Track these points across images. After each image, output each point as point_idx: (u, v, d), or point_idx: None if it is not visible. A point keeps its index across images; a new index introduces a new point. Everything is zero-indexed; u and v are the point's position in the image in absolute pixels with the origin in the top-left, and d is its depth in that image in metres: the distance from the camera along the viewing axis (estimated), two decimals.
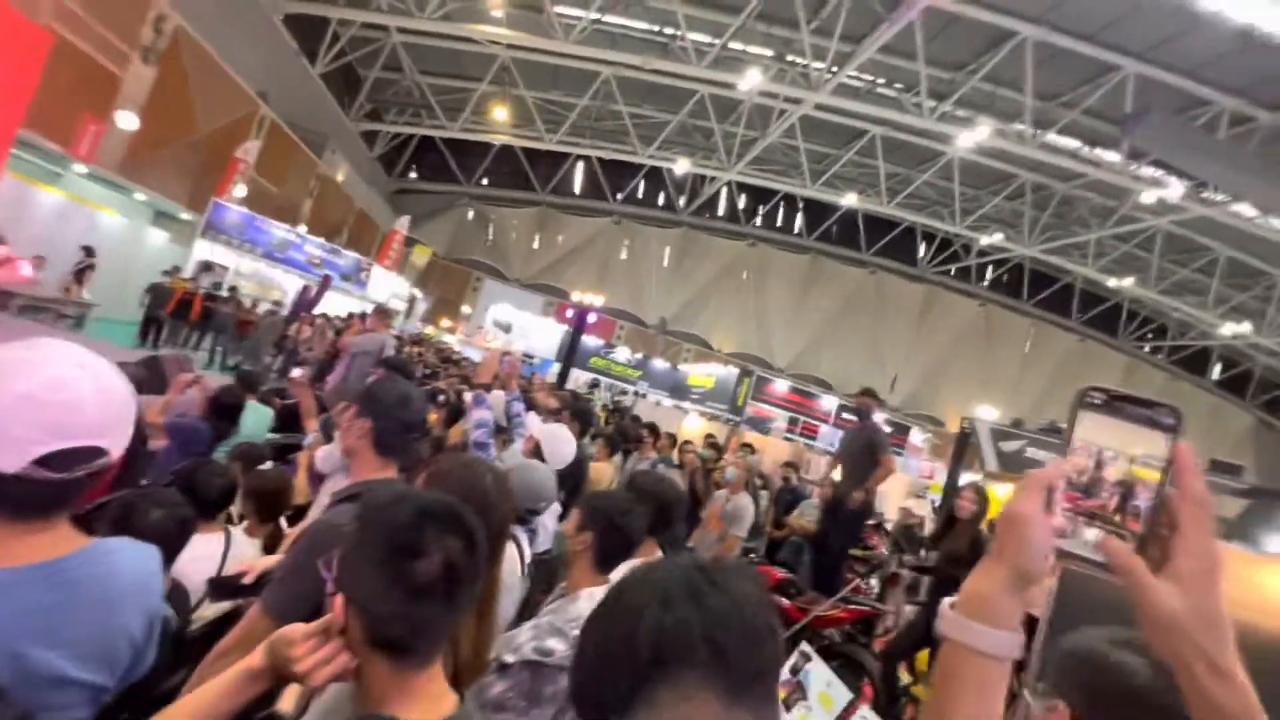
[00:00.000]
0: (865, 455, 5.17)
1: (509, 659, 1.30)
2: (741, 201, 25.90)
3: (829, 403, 19.07)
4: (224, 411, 3.53)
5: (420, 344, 15.74)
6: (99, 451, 0.89)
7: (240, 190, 13.12)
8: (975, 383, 25.03)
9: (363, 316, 6.90)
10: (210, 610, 1.97)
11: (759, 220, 26.20)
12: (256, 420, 3.92)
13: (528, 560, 1.96)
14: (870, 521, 5.38)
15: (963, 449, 9.57)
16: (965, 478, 8.25)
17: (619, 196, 25.60)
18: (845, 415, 17.48)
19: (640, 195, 25.75)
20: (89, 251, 9.77)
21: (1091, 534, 0.56)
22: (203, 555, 2.05)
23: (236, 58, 12.51)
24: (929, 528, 7.08)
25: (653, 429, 6.37)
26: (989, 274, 26.38)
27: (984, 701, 0.54)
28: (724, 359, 24.48)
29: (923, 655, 4.56)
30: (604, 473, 4.70)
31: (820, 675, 2.93)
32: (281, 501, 2.63)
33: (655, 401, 17.94)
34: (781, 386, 19.20)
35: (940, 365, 26.25)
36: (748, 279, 26.36)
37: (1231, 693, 0.50)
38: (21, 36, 6.65)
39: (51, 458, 0.84)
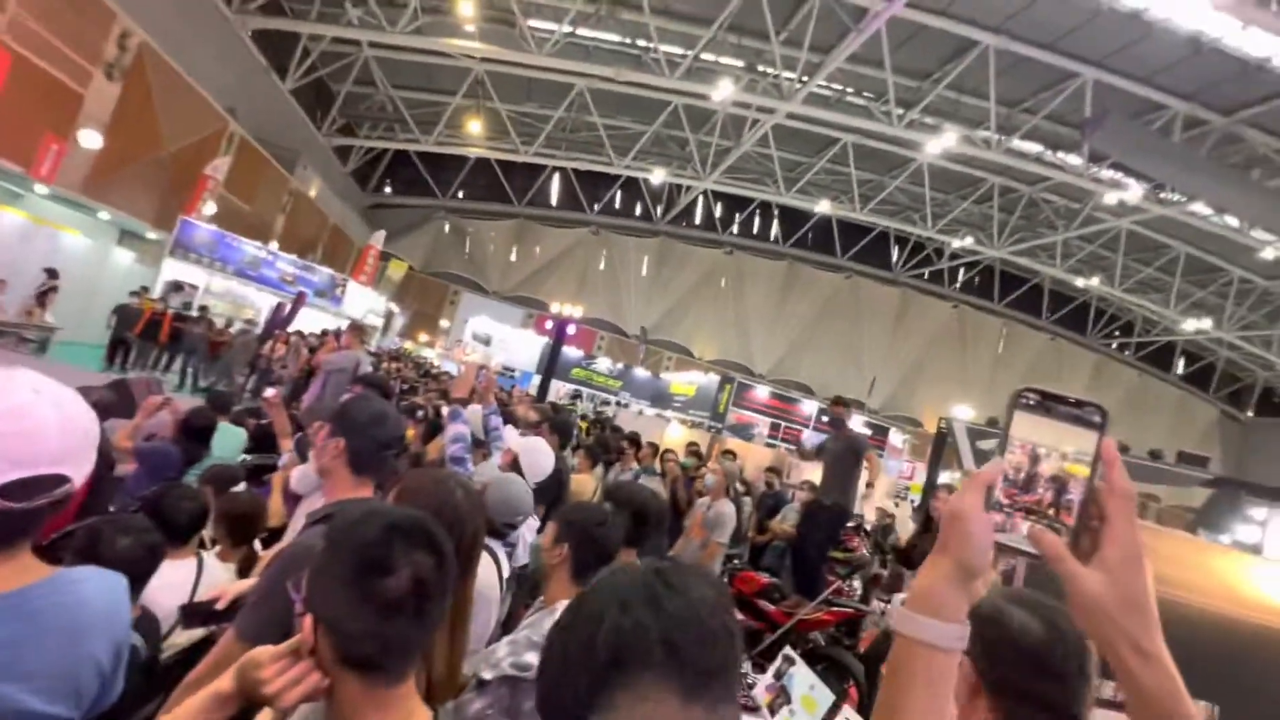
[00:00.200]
0: (848, 460, 5.24)
1: (487, 675, 1.29)
2: (718, 210, 26.15)
3: (809, 407, 19.24)
4: (195, 434, 3.47)
5: (398, 359, 15.58)
6: (61, 479, 0.88)
7: (210, 208, 12.90)
8: (951, 383, 25.48)
9: (336, 334, 6.82)
10: (183, 638, 1.93)
11: (735, 228, 26.46)
12: (229, 442, 3.85)
13: (506, 575, 1.95)
14: (850, 524, 5.43)
15: (940, 449, 9.72)
16: (944, 477, 8.39)
17: (596, 207, 25.69)
18: (824, 419, 17.64)
19: (617, 206, 25.86)
20: (51, 274, 9.52)
21: (1028, 527, 0.59)
22: (173, 582, 2.01)
23: (204, 73, 12.35)
24: (908, 528, 7.19)
25: (634, 439, 6.36)
26: (961, 276, 26.95)
27: (933, 692, 0.56)
28: (705, 367, 24.60)
29: None
30: (586, 485, 4.69)
31: (804, 679, 2.95)
32: (254, 524, 2.59)
33: (637, 411, 17.94)
34: (762, 393, 19.34)
35: (917, 367, 26.68)
36: (726, 286, 26.58)
37: (1155, 673, 0.53)
38: None
39: (11, 487, 0.83)
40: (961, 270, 26.63)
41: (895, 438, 19.20)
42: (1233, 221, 15.91)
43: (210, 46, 13.57)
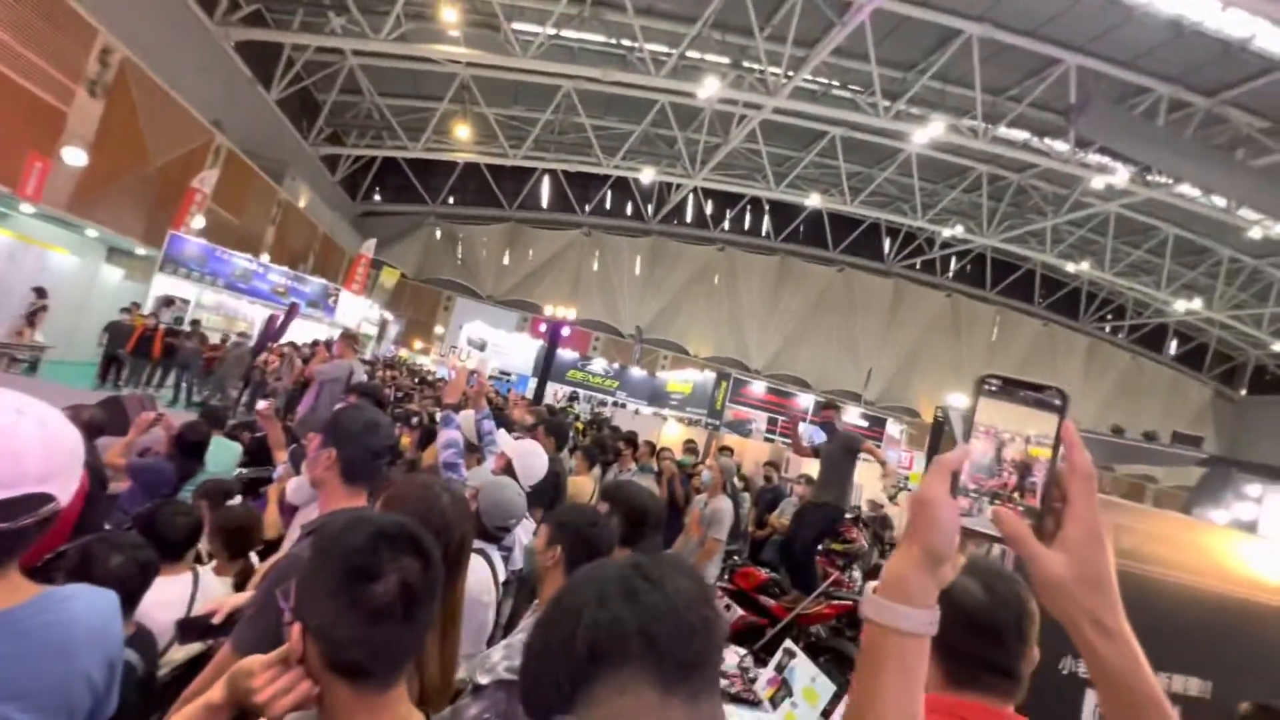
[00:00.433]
0: (843, 460, 5.20)
1: (483, 680, 1.29)
2: (709, 207, 26.17)
3: (806, 400, 19.27)
4: (189, 449, 3.46)
5: (393, 367, 15.55)
6: (45, 498, 0.88)
7: (199, 221, 12.84)
8: (946, 372, 25.58)
9: (328, 344, 6.80)
10: (180, 654, 1.93)
11: (727, 224, 26.50)
12: (224, 456, 3.84)
13: (503, 578, 1.95)
14: (848, 516, 5.45)
15: (938, 437, 9.79)
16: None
17: (587, 208, 25.68)
18: (815, 419, 17.68)
19: (608, 206, 25.86)
20: (40, 293, 9.47)
21: (992, 510, 0.60)
22: (169, 598, 2.01)
23: (188, 87, 12.29)
24: (899, 520, 7.22)
25: (631, 440, 6.37)
26: (953, 265, 27.05)
27: (904, 677, 0.57)
28: (701, 364, 24.61)
29: None
30: (584, 486, 4.70)
31: (805, 671, 2.97)
32: (249, 538, 2.58)
33: (634, 410, 17.94)
34: (759, 388, 19.36)
35: (912, 357, 26.77)
36: (719, 283, 26.61)
37: (1115, 649, 0.54)
38: None
39: None
40: (953, 259, 26.74)
41: (892, 428, 19.24)
42: (1220, 202, 16.00)
43: (194, 60, 13.51)
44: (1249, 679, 1.77)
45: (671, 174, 21.30)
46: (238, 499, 3.17)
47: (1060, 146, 16.04)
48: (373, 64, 18.02)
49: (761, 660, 3.36)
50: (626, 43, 15.47)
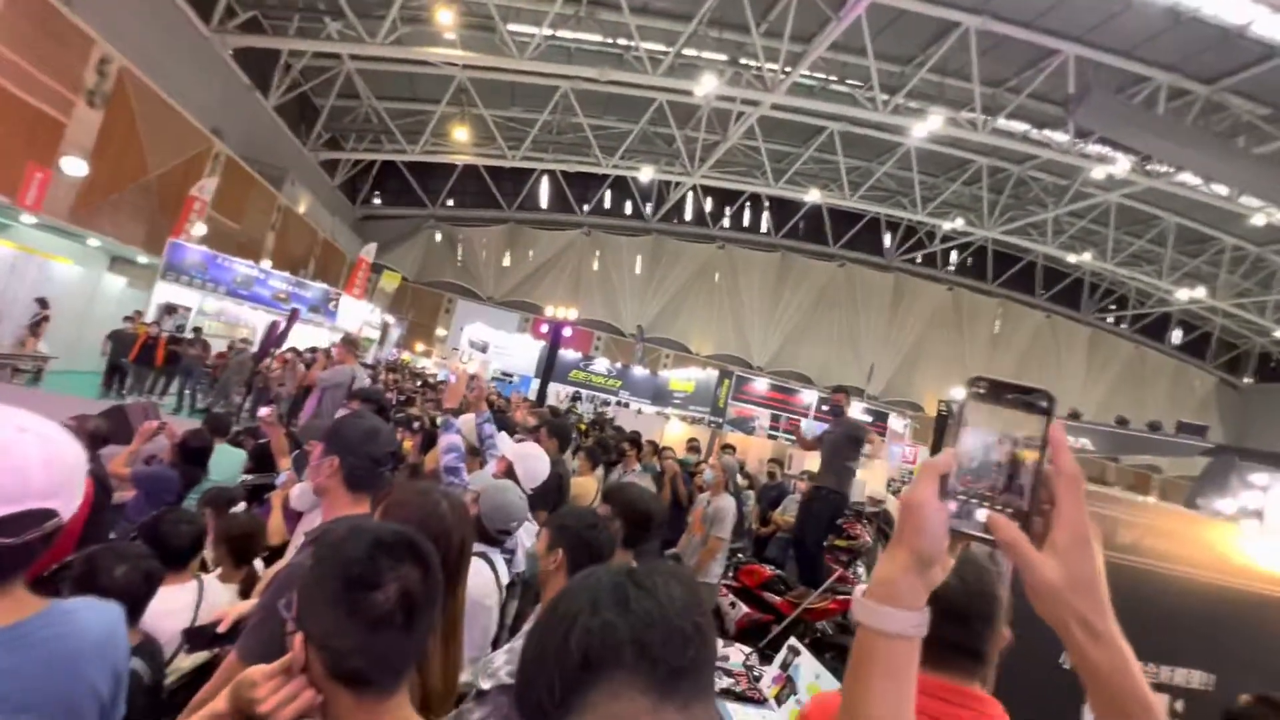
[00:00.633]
0: (846, 447, 5.26)
1: (485, 685, 1.30)
2: (708, 205, 26.14)
3: (809, 396, 19.26)
4: (192, 456, 3.48)
5: (395, 370, 15.58)
6: (48, 513, 0.89)
7: (200, 229, 12.88)
8: (950, 365, 25.54)
9: (327, 353, 6.82)
10: (186, 662, 1.95)
11: (727, 222, 26.47)
12: (228, 463, 3.86)
13: (505, 581, 1.96)
14: (848, 511, 5.46)
15: (942, 431, 9.77)
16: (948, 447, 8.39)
17: (586, 208, 25.68)
18: (823, 409, 17.66)
19: (607, 205, 25.85)
20: (43, 303, 9.52)
21: (983, 514, 0.60)
22: (175, 607, 2.03)
23: (187, 95, 12.33)
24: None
25: (634, 440, 6.37)
26: (954, 258, 26.98)
27: (894, 679, 0.58)
28: (703, 362, 24.60)
29: None
30: (588, 487, 4.70)
31: (809, 668, 2.97)
32: (253, 545, 2.60)
33: (637, 410, 17.95)
34: (761, 385, 19.34)
35: (915, 351, 26.73)
36: (720, 280, 26.59)
37: (1104, 651, 0.55)
38: None
39: (0, 523, 0.84)
40: (954, 252, 26.67)
41: (896, 423, 19.22)
42: (1221, 190, 15.93)
43: (191, 68, 13.54)
44: (1251, 671, 1.78)
45: (670, 172, 21.29)
46: (241, 506, 3.19)
47: (1060, 137, 15.99)
48: (370, 68, 18.04)
49: (766, 658, 3.37)
50: (623, 42, 15.46)
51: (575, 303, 22.94)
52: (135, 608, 1.68)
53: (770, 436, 16.35)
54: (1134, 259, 21.71)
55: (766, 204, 25.95)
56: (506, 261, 26.21)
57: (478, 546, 1.80)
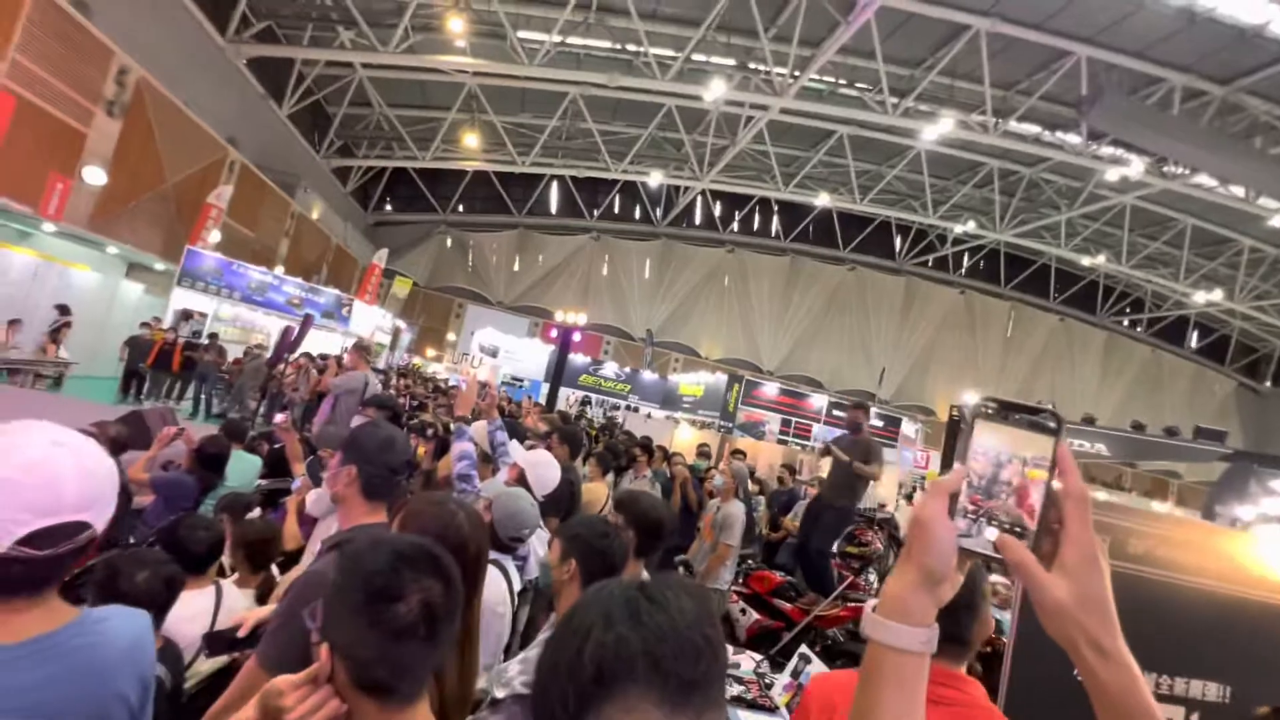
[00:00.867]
0: (862, 463, 5.15)
1: (500, 694, 1.32)
2: (717, 209, 26.15)
3: (819, 401, 19.17)
4: (209, 462, 3.53)
5: (406, 376, 15.69)
6: (82, 526, 0.92)
7: (215, 236, 13.07)
8: (962, 369, 25.35)
9: (338, 360, 6.87)
10: (206, 666, 1.98)
11: (736, 226, 26.45)
12: (244, 469, 3.91)
13: (516, 589, 1.98)
14: (858, 517, 5.42)
15: (953, 436, 9.68)
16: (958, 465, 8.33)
17: (596, 213, 25.77)
18: (836, 414, 17.57)
19: (617, 210, 25.93)
20: (64, 310, 9.69)
21: (992, 532, 0.61)
22: (194, 612, 2.06)
23: (202, 105, 12.54)
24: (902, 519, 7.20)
25: (645, 446, 6.37)
26: (966, 261, 26.78)
27: (903, 693, 0.59)
28: (712, 366, 24.57)
29: None
30: (598, 493, 4.71)
31: None
32: (270, 550, 2.64)
33: (646, 414, 17.95)
34: (771, 390, 19.27)
35: (926, 355, 26.55)
36: (730, 285, 26.56)
37: (1113, 670, 0.55)
38: None
39: (34, 536, 0.87)
40: (966, 255, 26.48)
41: (908, 427, 19.07)
42: (1238, 191, 15.72)
43: (207, 78, 13.77)
44: (1267, 683, 1.76)
45: (679, 177, 21.33)
46: (256, 511, 3.24)
47: (1073, 139, 15.86)
48: (381, 76, 18.25)
49: (778, 665, 3.36)
50: (632, 48, 15.53)
51: (585, 307, 22.99)
52: (157, 613, 1.71)
53: (780, 441, 16.29)
54: (1150, 261, 21.46)
55: (776, 208, 25.91)
56: (516, 266, 26.35)
57: (490, 554, 1.82)
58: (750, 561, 5.75)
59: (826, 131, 18.78)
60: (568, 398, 19.12)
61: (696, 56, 15.35)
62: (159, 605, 1.72)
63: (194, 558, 2.17)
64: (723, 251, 26.42)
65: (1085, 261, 22.19)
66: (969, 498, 0.62)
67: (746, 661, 3.31)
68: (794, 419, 18.16)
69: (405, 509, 1.46)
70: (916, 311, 26.42)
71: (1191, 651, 1.76)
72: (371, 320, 17.39)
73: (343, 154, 21.19)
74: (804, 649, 3.13)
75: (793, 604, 4.82)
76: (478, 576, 1.38)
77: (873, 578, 5.13)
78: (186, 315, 12.80)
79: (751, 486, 7.61)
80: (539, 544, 2.53)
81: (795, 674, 3.06)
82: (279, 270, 14.94)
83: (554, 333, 19.08)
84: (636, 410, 19.00)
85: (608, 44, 15.73)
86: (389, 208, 25.59)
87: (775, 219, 26.43)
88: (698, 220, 26.40)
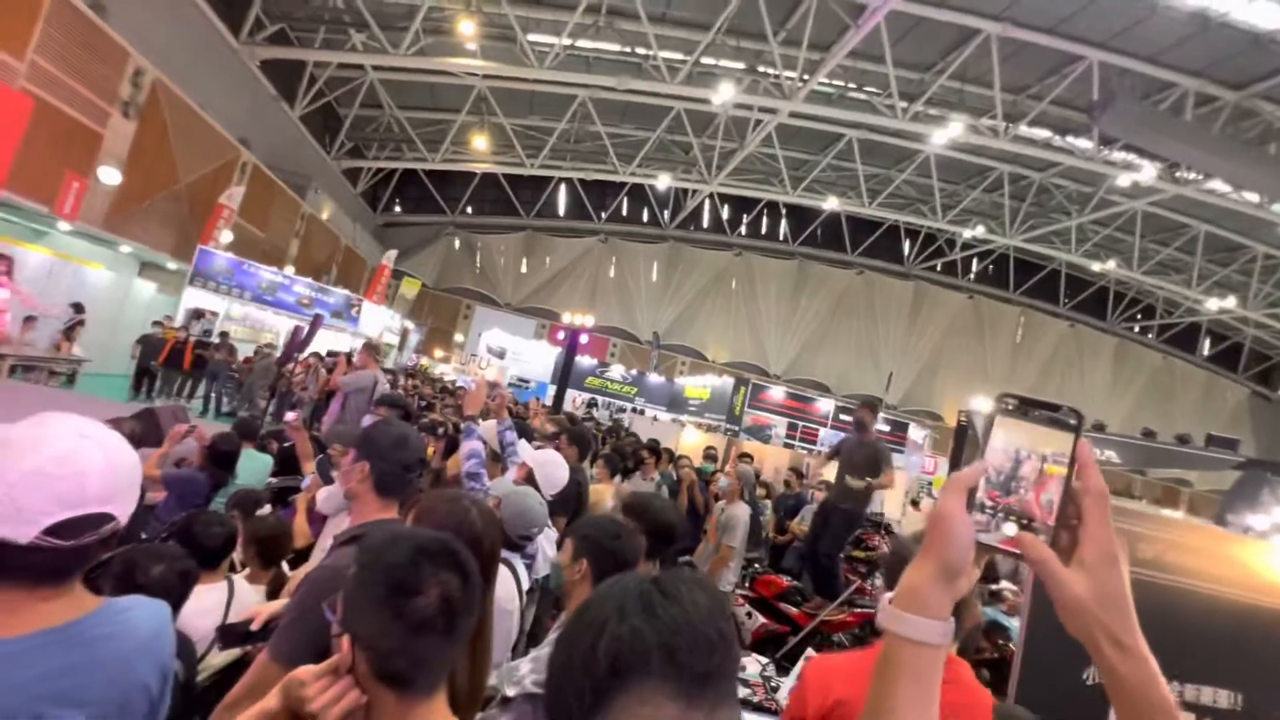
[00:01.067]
0: (868, 469, 5.05)
1: (510, 692, 1.32)
2: (725, 212, 26.15)
3: (826, 405, 19.11)
4: (220, 460, 3.56)
5: (414, 376, 15.76)
6: (107, 517, 0.94)
7: (227, 236, 13.19)
8: (970, 374, 25.19)
9: (348, 358, 6.92)
10: (218, 659, 2.00)
11: (744, 229, 26.44)
12: (255, 468, 3.95)
13: (525, 587, 1.99)
14: (866, 522, 5.39)
15: (961, 441, 9.63)
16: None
17: (603, 216, 25.83)
18: (843, 418, 17.51)
19: (624, 213, 25.98)
20: (78, 308, 9.80)
21: (1010, 528, 0.61)
22: (207, 606, 2.09)
23: (216, 106, 12.66)
24: (918, 523, 7.14)
25: (653, 448, 6.36)
26: (975, 266, 26.65)
27: (920, 686, 0.59)
28: (719, 369, 24.55)
29: None
30: (604, 495, 4.72)
31: None
32: (282, 546, 2.66)
33: (653, 417, 17.96)
34: (778, 393, 19.25)
35: (934, 360, 26.42)
36: (737, 288, 26.54)
37: (1132, 665, 0.56)
38: (1, 104, 6.73)
39: (61, 526, 0.89)
40: (975, 260, 26.36)
41: (915, 432, 18.99)
42: (1252, 197, 15.58)
43: (221, 79, 13.90)
44: (1278, 691, 1.74)
45: (687, 180, 21.35)
46: (267, 508, 3.26)
47: (1084, 144, 15.76)
48: (392, 78, 18.38)
49: (784, 669, 3.36)
50: (641, 51, 15.56)
51: (592, 309, 23.04)
52: (172, 606, 1.73)
53: (787, 445, 16.25)
54: (1161, 267, 21.28)
55: (784, 211, 25.88)
56: (524, 268, 26.44)
57: (500, 552, 1.83)
58: (756, 565, 5.74)
59: (835, 135, 18.76)
60: (574, 400, 19.15)
61: (705, 60, 15.37)
62: (174, 599, 1.74)
63: (208, 553, 2.20)
64: (730, 254, 26.41)
65: (1096, 267, 22.04)
66: (987, 493, 0.63)
67: (752, 664, 3.30)
68: (801, 423, 18.12)
69: (419, 505, 1.48)
70: (925, 316, 26.31)
71: (1203, 658, 1.75)
72: (380, 321, 17.49)
73: (353, 155, 21.34)
74: (811, 652, 3.12)
75: (799, 608, 4.80)
76: (491, 573, 1.39)
77: (879, 582, 5.10)
78: (198, 314, 12.92)
79: (758, 490, 7.60)
80: (547, 543, 2.54)
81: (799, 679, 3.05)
82: (289, 270, 15.06)
83: (561, 334, 19.12)
84: (643, 413, 19.02)
85: (617, 47, 15.78)
86: (398, 209, 25.74)
87: (783, 222, 26.40)
88: (705, 223, 26.40)
